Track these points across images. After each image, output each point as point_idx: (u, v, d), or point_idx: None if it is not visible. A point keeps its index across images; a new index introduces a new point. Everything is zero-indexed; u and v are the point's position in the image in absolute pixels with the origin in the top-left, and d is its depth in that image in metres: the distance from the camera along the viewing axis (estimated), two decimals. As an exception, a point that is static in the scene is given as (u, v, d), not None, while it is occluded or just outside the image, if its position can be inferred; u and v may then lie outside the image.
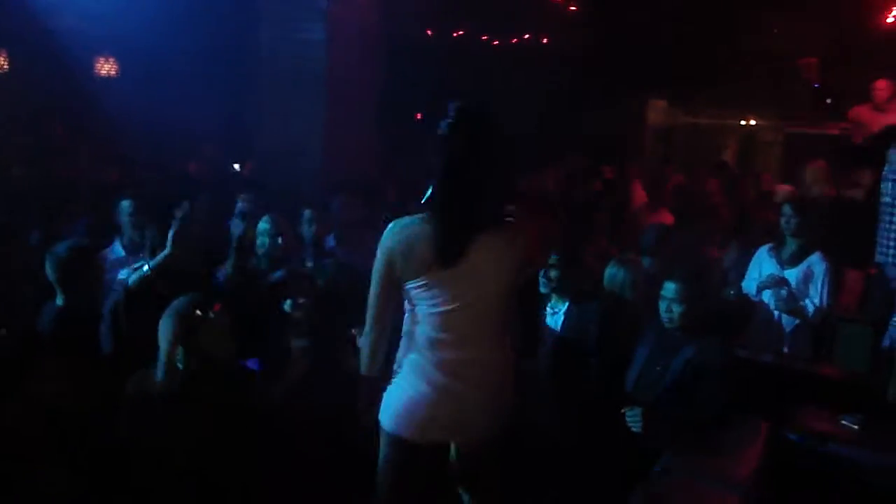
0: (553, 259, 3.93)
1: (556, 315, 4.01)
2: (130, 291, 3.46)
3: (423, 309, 2.60)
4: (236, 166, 7.38)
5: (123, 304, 3.42)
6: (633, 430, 3.27)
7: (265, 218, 4.50)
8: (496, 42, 10.81)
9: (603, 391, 3.66)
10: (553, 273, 3.97)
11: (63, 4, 7.61)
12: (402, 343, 2.68)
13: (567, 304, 3.99)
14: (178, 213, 4.18)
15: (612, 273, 4.23)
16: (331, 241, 5.43)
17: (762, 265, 4.74)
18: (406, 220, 2.61)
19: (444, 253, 2.51)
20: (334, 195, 5.79)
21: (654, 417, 3.32)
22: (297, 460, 3.17)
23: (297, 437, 3.28)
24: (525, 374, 2.96)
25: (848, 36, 9.36)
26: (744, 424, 3.51)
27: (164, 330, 2.84)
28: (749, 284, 4.77)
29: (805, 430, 3.58)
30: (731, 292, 4.88)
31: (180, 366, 2.81)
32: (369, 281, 2.67)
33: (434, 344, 2.60)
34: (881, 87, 8.50)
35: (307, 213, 4.98)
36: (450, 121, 2.56)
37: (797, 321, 4.56)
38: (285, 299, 3.76)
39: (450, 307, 2.56)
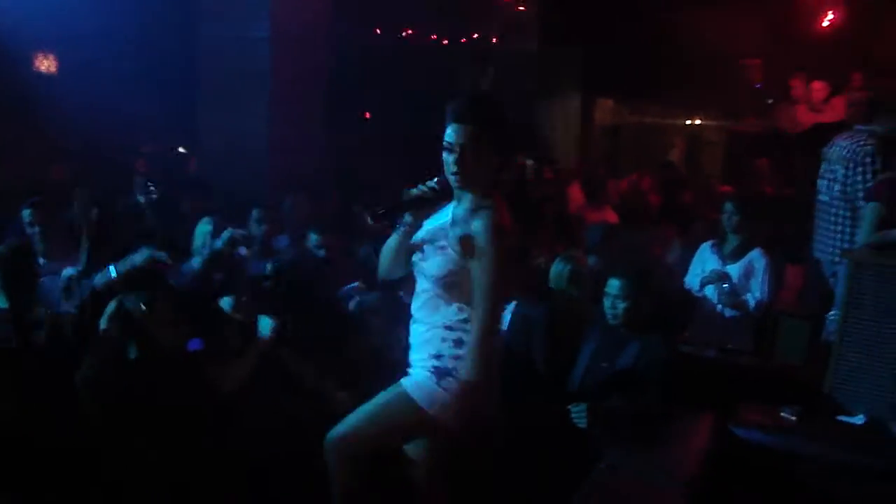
0: None
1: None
2: (96, 292, 3.55)
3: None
4: (181, 150, 7.22)
5: (90, 304, 3.52)
6: (579, 426, 3.30)
7: (206, 219, 4.43)
8: (445, 41, 10.81)
9: (548, 388, 3.68)
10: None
11: (-1, 0, 7.40)
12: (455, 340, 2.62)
13: (513, 302, 4.00)
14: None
15: (558, 270, 4.26)
16: (283, 241, 5.38)
17: (705, 261, 4.85)
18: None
19: None
20: (283, 194, 5.73)
21: (599, 413, 3.35)
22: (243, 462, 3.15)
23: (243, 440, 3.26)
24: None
25: (787, 38, 9.60)
26: (688, 419, 3.56)
27: (110, 324, 2.94)
28: (692, 280, 4.88)
29: (747, 423, 3.65)
30: (676, 288, 4.97)
31: (131, 355, 2.88)
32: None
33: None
34: (817, 88, 8.75)
35: (255, 212, 4.92)
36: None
37: (739, 316, 4.66)
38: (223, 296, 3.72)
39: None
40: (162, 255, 3.57)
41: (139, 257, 3.53)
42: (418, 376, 2.66)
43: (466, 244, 2.54)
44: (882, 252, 3.90)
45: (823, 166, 4.93)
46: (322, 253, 4.81)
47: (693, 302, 4.81)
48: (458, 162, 2.56)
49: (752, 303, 4.59)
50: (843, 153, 4.73)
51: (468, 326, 2.58)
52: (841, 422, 3.70)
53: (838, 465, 3.42)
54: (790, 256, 5.49)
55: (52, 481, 2.73)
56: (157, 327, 3.17)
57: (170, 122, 7.68)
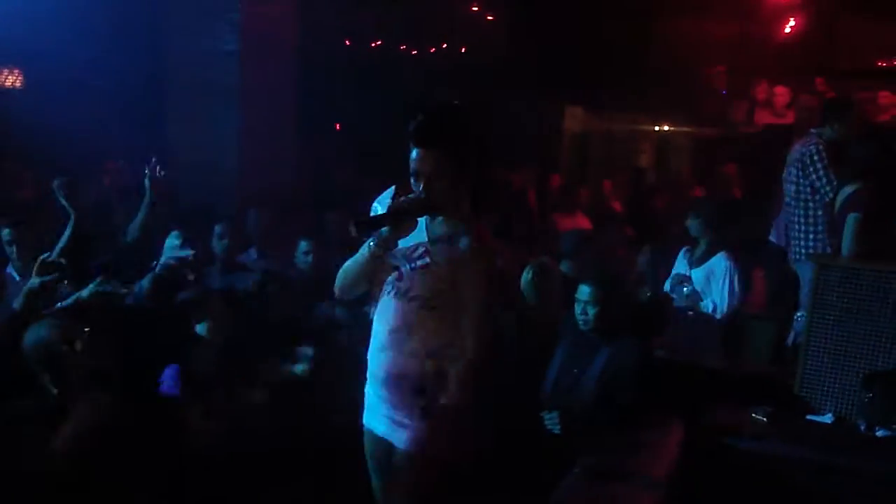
0: None
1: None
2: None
3: None
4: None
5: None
6: (552, 432, 3.33)
7: (174, 233, 4.41)
8: (414, 52, 10.84)
9: (520, 395, 3.70)
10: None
11: (-38, 14, 7.30)
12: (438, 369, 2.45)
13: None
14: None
15: (526, 279, 4.28)
16: (252, 255, 5.36)
17: (678, 266, 4.95)
18: None
19: None
20: (249, 208, 5.71)
21: (571, 419, 3.38)
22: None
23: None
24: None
25: (751, 45, 9.77)
26: (660, 423, 3.59)
27: (31, 357, 2.79)
28: (668, 285, 4.97)
29: (718, 426, 3.70)
30: (648, 294, 5.03)
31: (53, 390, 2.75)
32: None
33: None
34: (780, 92, 8.93)
35: (218, 227, 4.91)
36: None
37: (707, 319, 4.73)
38: (197, 322, 3.66)
39: None
40: (108, 287, 3.45)
41: (86, 291, 3.42)
42: (411, 431, 2.42)
43: (455, 264, 2.38)
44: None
45: (786, 171, 5.05)
46: (310, 259, 4.82)
47: (665, 306, 4.88)
48: (426, 190, 2.34)
49: (709, 307, 4.66)
50: (795, 156, 4.89)
51: (452, 352, 2.41)
52: (810, 421, 3.77)
53: (808, 463, 3.48)
54: (758, 259, 5.58)
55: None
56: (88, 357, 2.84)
57: (139, 138, 7.61)
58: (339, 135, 9.99)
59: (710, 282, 4.68)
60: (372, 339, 2.54)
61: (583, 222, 7.08)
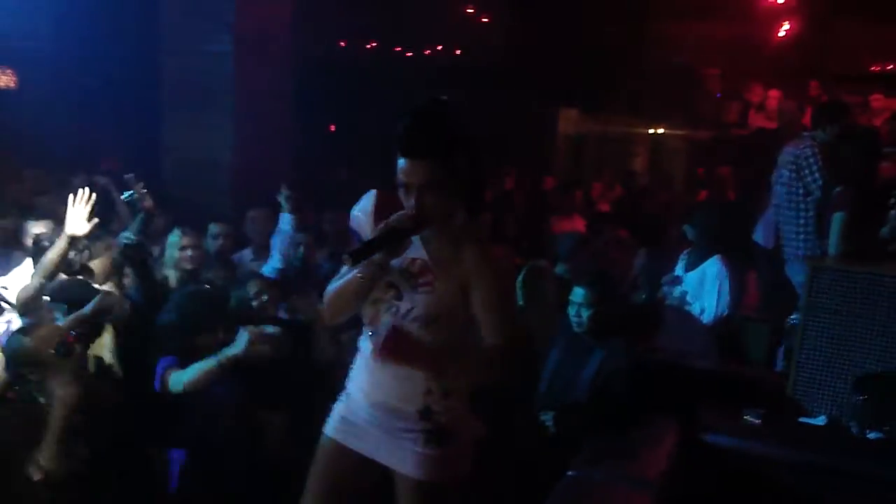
0: None
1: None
2: None
3: None
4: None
5: None
6: (546, 433, 3.33)
7: (176, 231, 4.41)
8: (409, 54, 10.85)
9: (515, 397, 3.70)
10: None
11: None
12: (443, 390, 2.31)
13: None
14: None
15: (523, 280, 4.29)
16: (248, 255, 5.36)
17: (677, 270, 4.95)
18: None
19: None
20: (248, 208, 5.71)
21: (566, 420, 3.38)
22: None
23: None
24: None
25: (746, 48, 9.80)
26: (654, 424, 3.59)
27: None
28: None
29: (711, 427, 3.70)
30: (643, 296, 5.04)
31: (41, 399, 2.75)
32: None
33: None
34: (773, 96, 8.97)
35: (212, 227, 4.91)
36: None
37: (705, 321, 4.73)
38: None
39: None
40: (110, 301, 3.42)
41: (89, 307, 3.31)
42: (418, 457, 2.28)
43: (460, 280, 2.21)
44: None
45: (775, 173, 5.08)
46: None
47: (660, 309, 4.88)
48: (418, 205, 2.14)
49: (697, 310, 4.67)
50: (788, 158, 4.92)
51: (456, 372, 2.27)
52: (803, 423, 3.78)
53: (801, 465, 3.48)
54: (752, 262, 5.59)
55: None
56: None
57: (133, 137, 7.61)
58: (334, 135, 10.00)
59: (703, 286, 4.68)
60: (363, 358, 2.37)
61: (580, 225, 7.09)
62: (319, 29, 8.68)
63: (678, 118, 10.71)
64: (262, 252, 5.21)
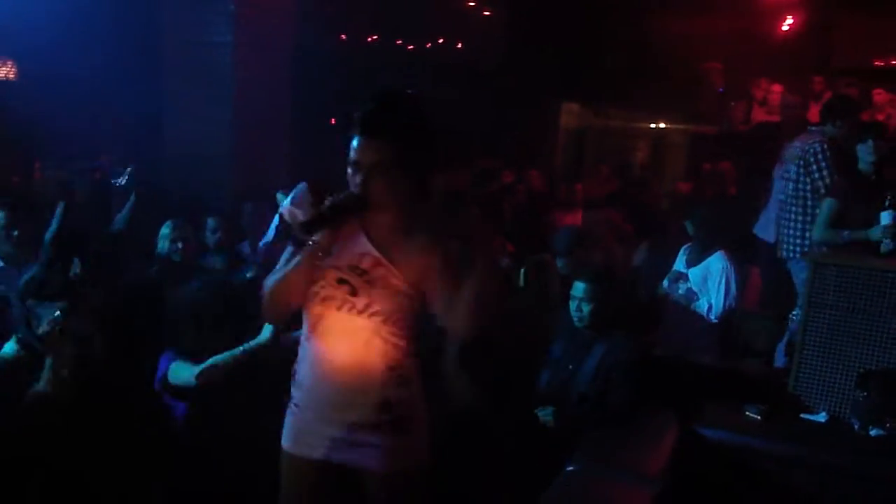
0: None
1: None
2: None
3: None
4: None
5: None
6: (546, 427, 3.31)
7: (168, 223, 4.39)
8: (411, 47, 10.81)
9: (514, 392, 3.69)
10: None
11: (-45, 6, 7.24)
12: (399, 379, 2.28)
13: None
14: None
15: (525, 274, 4.28)
16: (246, 248, 5.34)
17: (678, 263, 4.92)
18: None
19: None
20: (244, 202, 5.69)
21: (566, 415, 3.37)
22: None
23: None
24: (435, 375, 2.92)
25: (749, 42, 9.77)
26: (655, 419, 3.59)
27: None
28: (666, 282, 4.95)
29: (712, 422, 3.69)
30: (644, 290, 5.03)
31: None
32: None
33: None
34: (776, 90, 8.94)
35: (210, 221, 4.88)
36: None
37: (706, 317, 4.72)
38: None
39: None
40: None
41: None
42: (382, 449, 2.24)
43: (415, 269, 2.19)
44: (841, 252, 3.98)
45: (778, 167, 5.04)
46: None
47: (661, 303, 4.86)
48: (363, 185, 2.14)
49: (703, 306, 4.65)
50: (796, 153, 4.89)
51: (413, 360, 2.27)
52: (804, 419, 3.76)
53: (802, 461, 3.47)
54: (754, 257, 5.57)
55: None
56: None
57: (132, 129, 7.58)
58: (334, 129, 9.97)
59: (707, 281, 4.66)
60: (310, 359, 2.28)
61: (581, 219, 7.06)
62: (320, 21, 8.64)
63: (680, 112, 10.69)
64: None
